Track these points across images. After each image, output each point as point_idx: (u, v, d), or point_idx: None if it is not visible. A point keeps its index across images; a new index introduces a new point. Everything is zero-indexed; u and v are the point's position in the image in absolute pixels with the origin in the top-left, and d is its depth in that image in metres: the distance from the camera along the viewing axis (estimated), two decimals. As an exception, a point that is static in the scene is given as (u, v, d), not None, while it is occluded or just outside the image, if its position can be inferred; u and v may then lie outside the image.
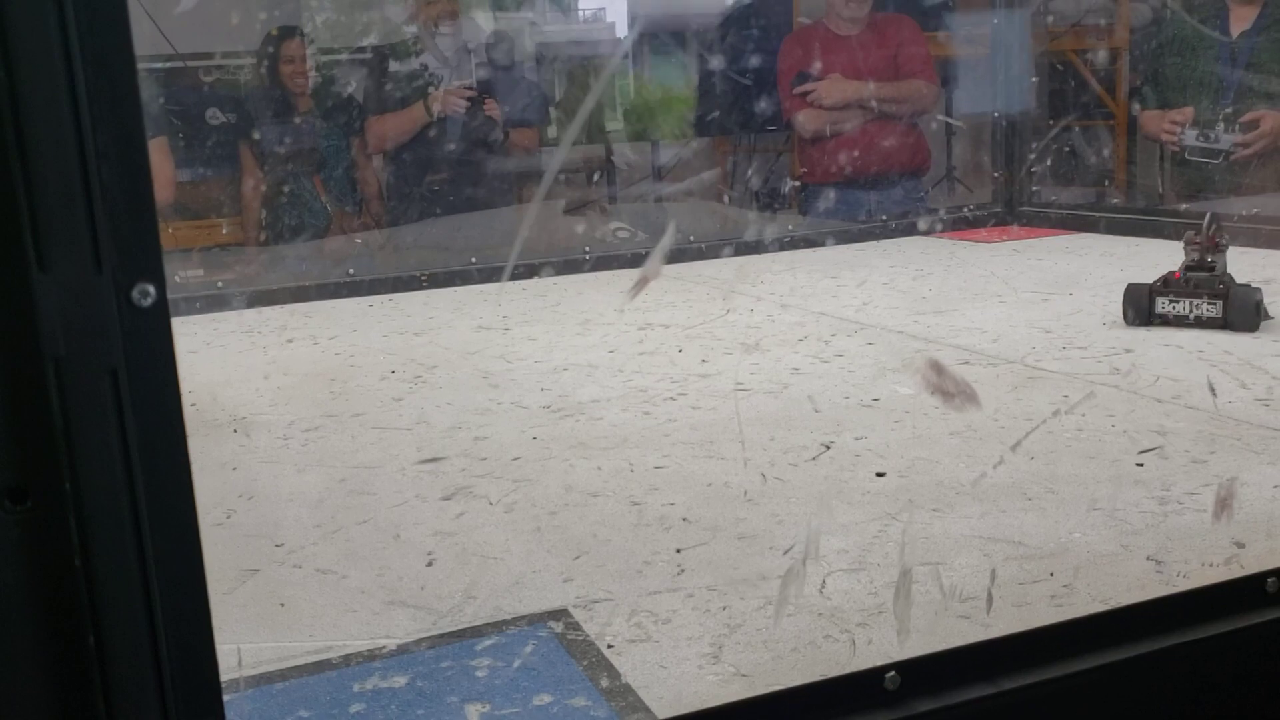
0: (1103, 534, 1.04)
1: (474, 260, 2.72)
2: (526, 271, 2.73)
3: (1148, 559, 0.98)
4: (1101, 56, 4.38)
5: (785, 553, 0.98)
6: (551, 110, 3.53)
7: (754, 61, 3.59)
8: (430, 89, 3.26)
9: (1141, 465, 1.23)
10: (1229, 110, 2.89)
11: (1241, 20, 2.96)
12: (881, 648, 0.82)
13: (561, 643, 0.89)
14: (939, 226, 3.18)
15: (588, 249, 2.80)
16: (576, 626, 0.91)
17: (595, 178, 4.00)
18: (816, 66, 3.32)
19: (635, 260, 2.79)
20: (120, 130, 0.49)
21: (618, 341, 2.00)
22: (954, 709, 0.70)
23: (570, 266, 2.73)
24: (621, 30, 5.33)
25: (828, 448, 1.33)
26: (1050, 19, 3.68)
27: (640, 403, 1.58)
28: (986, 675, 0.72)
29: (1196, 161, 2.91)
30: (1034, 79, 3.26)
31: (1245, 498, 1.11)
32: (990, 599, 0.85)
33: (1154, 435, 1.32)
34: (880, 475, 1.22)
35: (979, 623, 0.87)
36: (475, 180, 3.29)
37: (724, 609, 0.92)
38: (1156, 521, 1.07)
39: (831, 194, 3.43)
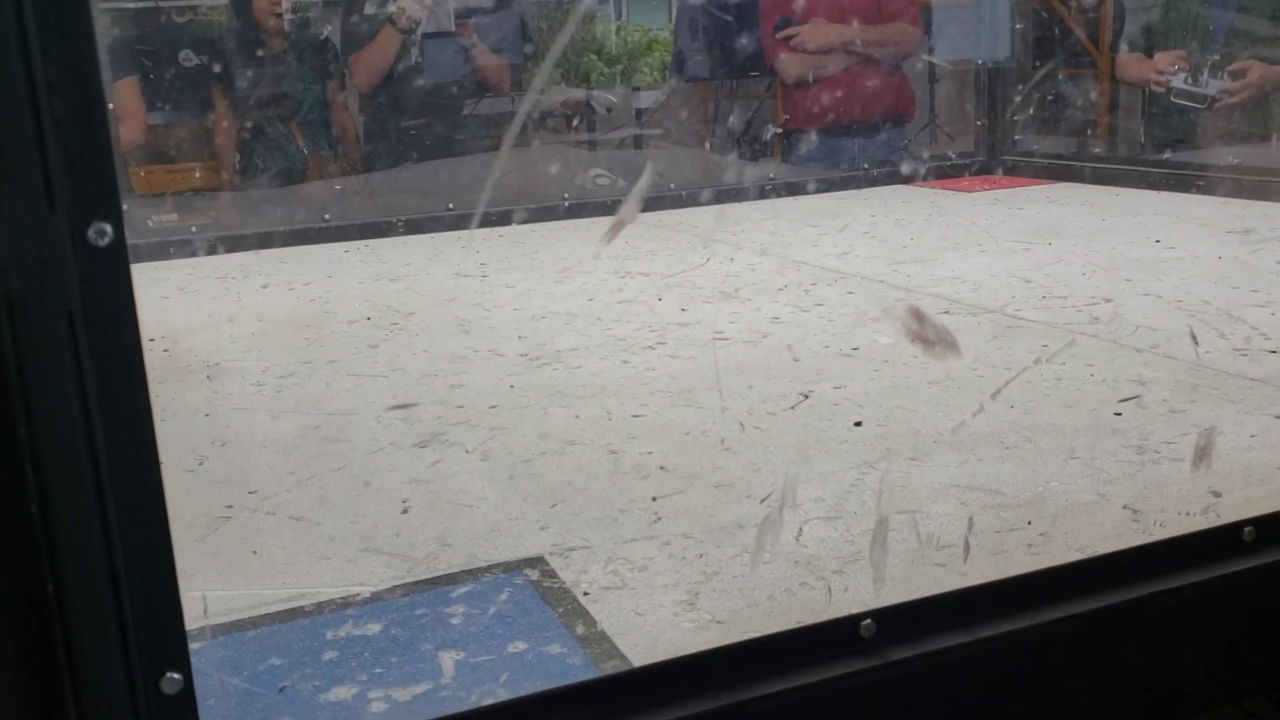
0: (1080, 483, 1.04)
1: (451, 206, 2.69)
2: (504, 218, 2.70)
3: (1125, 508, 0.98)
4: (1086, 1, 4.34)
5: (762, 501, 0.97)
6: (528, 48, 3.48)
7: (733, 1, 3.54)
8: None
9: (1120, 415, 1.22)
10: (1217, 57, 2.87)
11: None
12: (858, 595, 0.82)
13: (537, 590, 0.89)
14: (921, 174, 3.16)
15: (566, 195, 2.77)
16: (552, 574, 0.91)
17: (575, 123, 3.95)
18: (799, 7, 3.27)
19: (615, 207, 2.77)
20: (72, 59, 0.47)
21: (597, 289, 1.98)
22: (929, 656, 0.70)
23: (549, 213, 2.71)
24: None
25: (806, 397, 1.32)
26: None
27: (619, 351, 1.57)
28: (962, 623, 0.72)
29: (1181, 105, 2.89)
30: (1018, 25, 3.22)
31: (1223, 447, 1.11)
32: (967, 547, 0.85)
33: (1133, 385, 1.31)
34: (858, 424, 1.22)
35: (955, 570, 0.87)
36: (453, 123, 3.24)
37: (700, 556, 0.92)
38: (1134, 470, 1.07)
39: (814, 140, 3.39)
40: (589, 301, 1.90)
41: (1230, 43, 2.88)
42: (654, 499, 1.04)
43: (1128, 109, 3.86)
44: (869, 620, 0.70)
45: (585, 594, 0.87)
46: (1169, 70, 2.91)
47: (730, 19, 3.50)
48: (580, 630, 0.82)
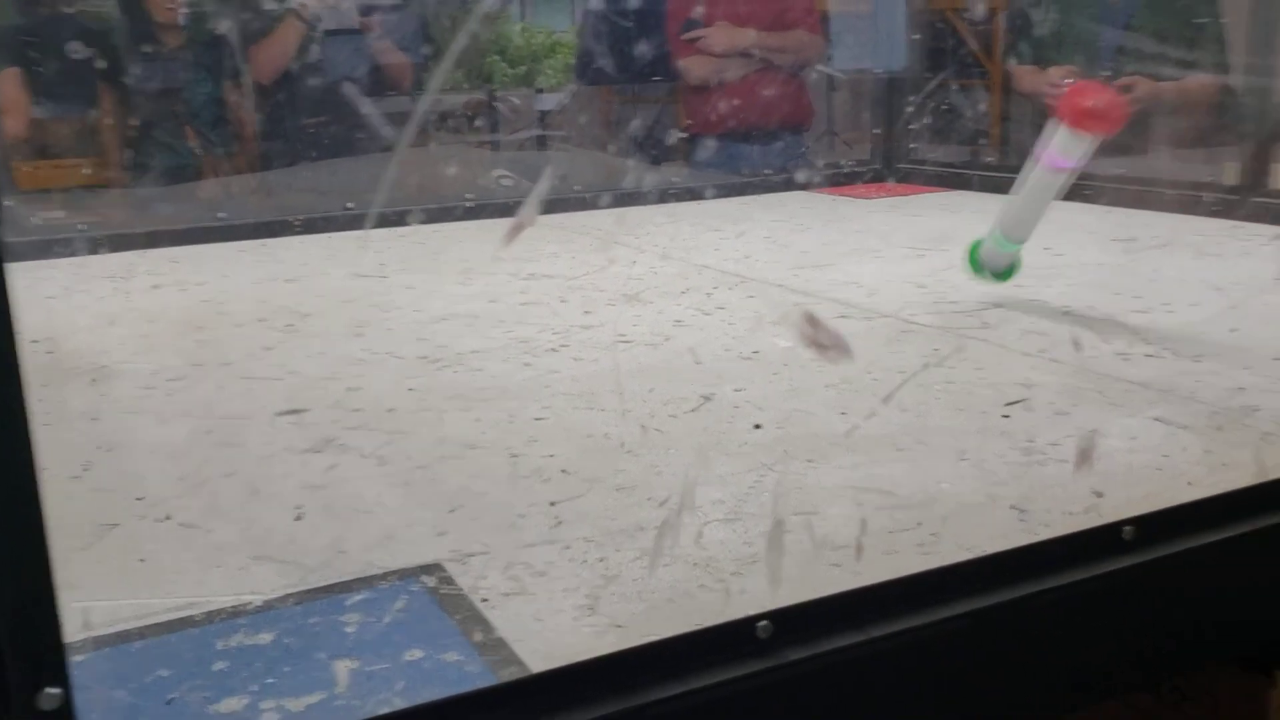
0: (970, 484, 1.07)
1: (350, 205, 2.64)
2: (404, 218, 2.66)
3: (1012, 508, 1.01)
4: (978, 14, 4.46)
5: (660, 505, 0.98)
6: (427, 47, 3.44)
7: (637, 6, 3.56)
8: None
9: (1008, 417, 1.26)
10: (1107, 73, 2.97)
11: None
12: (755, 597, 0.83)
13: (434, 597, 0.88)
14: (820, 181, 3.21)
15: (469, 195, 2.75)
16: (450, 580, 0.90)
17: (476, 123, 3.92)
18: (699, 12, 3.30)
19: (518, 208, 2.75)
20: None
21: (499, 291, 1.97)
22: (824, 656, 0.72)
23: (451, 213, 2.68)
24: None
25: (708, 399, 1.33)
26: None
27: (521, 354, 1.56)
28: (855, 623, 0.74)
29: None
30: (915, 36, 3.30)
31: (1104, 449, 1.15)
32: (860, 548, 0.86)
33: (1020, 388, 1.35)
34: (757, 427, 1.23)
35: (849, 570, 0.88)
36: (353, 121, 3.19)
37: (601, 560, 0.92)
38: (1021, 472, 1.10)
39: (716, 145, 3.43)
40: (491, 303, 1.89)
41: (1117, 59, 2.99)
42: (551, 504, 1.04)
43: (1018, 120, 3.98)
44: (765, 621, 0.71)
45: (484, 600, 0.87)
46: (1061, 84, 3.01)
47: (632, 23, 3.51)
48: (478, 637, 0.81)
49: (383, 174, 2.97)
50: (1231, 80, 2.89)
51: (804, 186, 3.16)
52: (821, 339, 0.90)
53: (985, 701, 0.81)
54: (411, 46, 3.44)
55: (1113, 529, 0.84)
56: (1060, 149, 1.54)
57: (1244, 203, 2.45)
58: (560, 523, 1.00)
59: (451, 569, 0.92)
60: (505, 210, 2.74)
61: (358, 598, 0.88)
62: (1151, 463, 1.11)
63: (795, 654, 0.71)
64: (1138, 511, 0.92)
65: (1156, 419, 1.23)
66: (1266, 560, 0.90)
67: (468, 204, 2.71)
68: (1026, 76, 3.20)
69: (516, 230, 0.97)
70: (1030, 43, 3.24)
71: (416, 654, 0.80)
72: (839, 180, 3.25)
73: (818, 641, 0.72)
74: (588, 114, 4.23)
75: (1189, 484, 1.03)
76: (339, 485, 1.10)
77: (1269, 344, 1.47)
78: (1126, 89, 2.92)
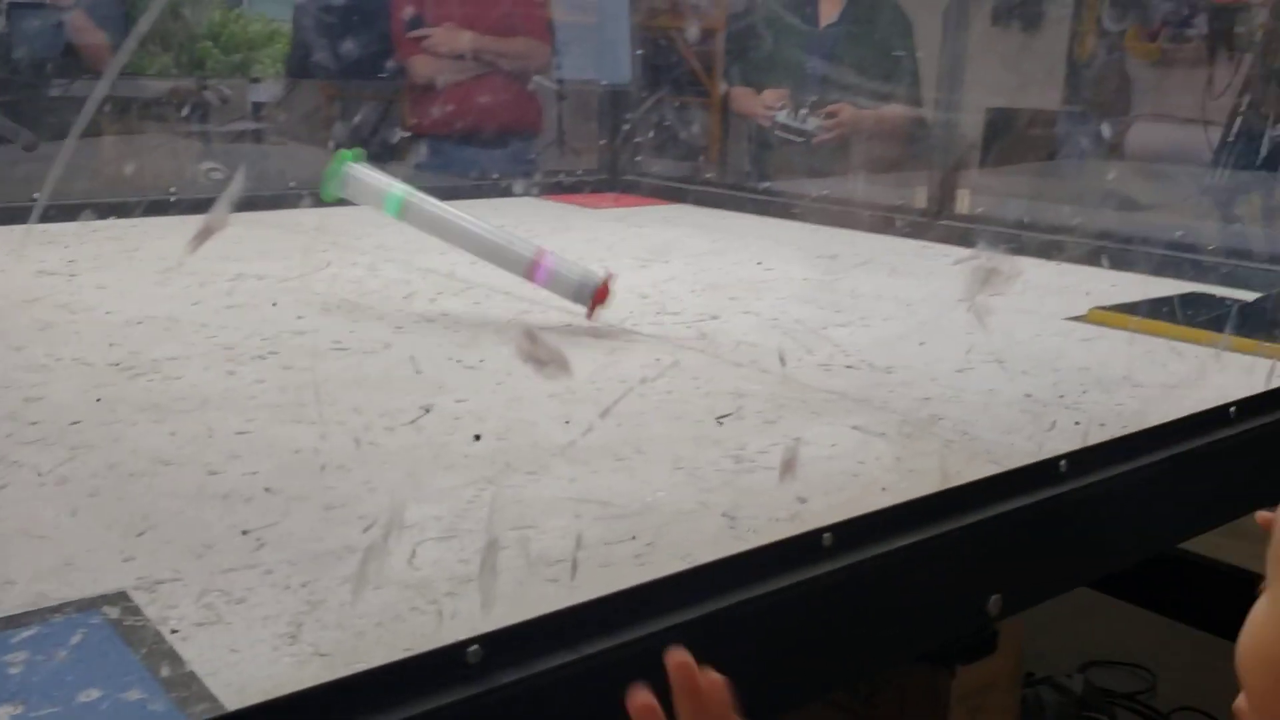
0: (684, 492, 1.09)
1: (36, 196, 2.41)
2: (103, 211, 2.46)
3: (723, 515, 1.04)
4: (698, 34, 4.62)
5: (365, 530, 0.94)
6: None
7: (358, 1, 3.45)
8: None
9: (722, 424, 1.30)
10: (814, 99, 3.15)
11: (829, 12, 3.22)
12: (470, 619, 0.81)
13: (117, 630, 0.80)
14: (548, 189, 3.22)
15: (174, 189, 2.57)
16: (136, 611, 0.82)
17: (185, 112, 3.68)
18: (431, 10, 3.24)
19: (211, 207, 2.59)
20: None
21: (203, 293, 1.85)
22: (536, 678, 0.70)
23: (153, 207, 2.49)
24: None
25: (427, 410, 1.30)
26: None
27: (225, 361, 1.47)
28: (568, 642, 0.73)
29: (783, 139, 3.15)
30: (638, 51, 3.37)
31: (806, 456, 1.21)
32: (575, 565, 0.86)
33: (733, 397, 1.40)
34: (477, 438, 1.21)
35: (565, 586, 0.88)
36: (44, 104, 2.92)
37: (305, 585, 0.87)
38: (731, 479, 1.13)
39: (442, 148, 3.37)
40: (194, 305, 1.76)
41: (823, 86, 3.17)
42: (244, 533, 0.98)
43: (735, 139, 4.15)
44: (475, 646, 0.69)
45: (174, 631, 0.80)
46: (774, 106, 3.17)
47: (353, 17, 3.40)
48: (165, 672, 0.75)
49: (80, 163, 2.72)
50: (923, 112, 3.13)
51: (534, 193, 3.17)
52: (540, 355, 0.89)
53: (696, 710, 0.83)
54: (112, 26, 3.19)
55: (814, 535, 0.88)
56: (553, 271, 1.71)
57: (932, 225, 2.66)
58: (262, 545, 0.94)
59: (138, 598, 0.84)
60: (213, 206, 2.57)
61: (26, 634, 0.79)
62: (849, 469, 1.17)
63: (506, 677, 0.70)
64: (837, 517, 0.97)
65: (854, 427, 1.31)
66: (949, 562, 0.97)
67: (171, 198, 2.53)
68: (742, 98, 3.35)
69: (205, 234, 0.90)
70: (745, 66, 3.39)
71: (93, 694, 0.73)
72: (568, 189, 3.28)
73: (530, 663, 0.71)
74: (306, 108, 4.06)
75: (883, 489, 1.10)
76: (9, 508, 0.99)
77: (952, 358, 1.59)
78: (832, 115, 3.11)
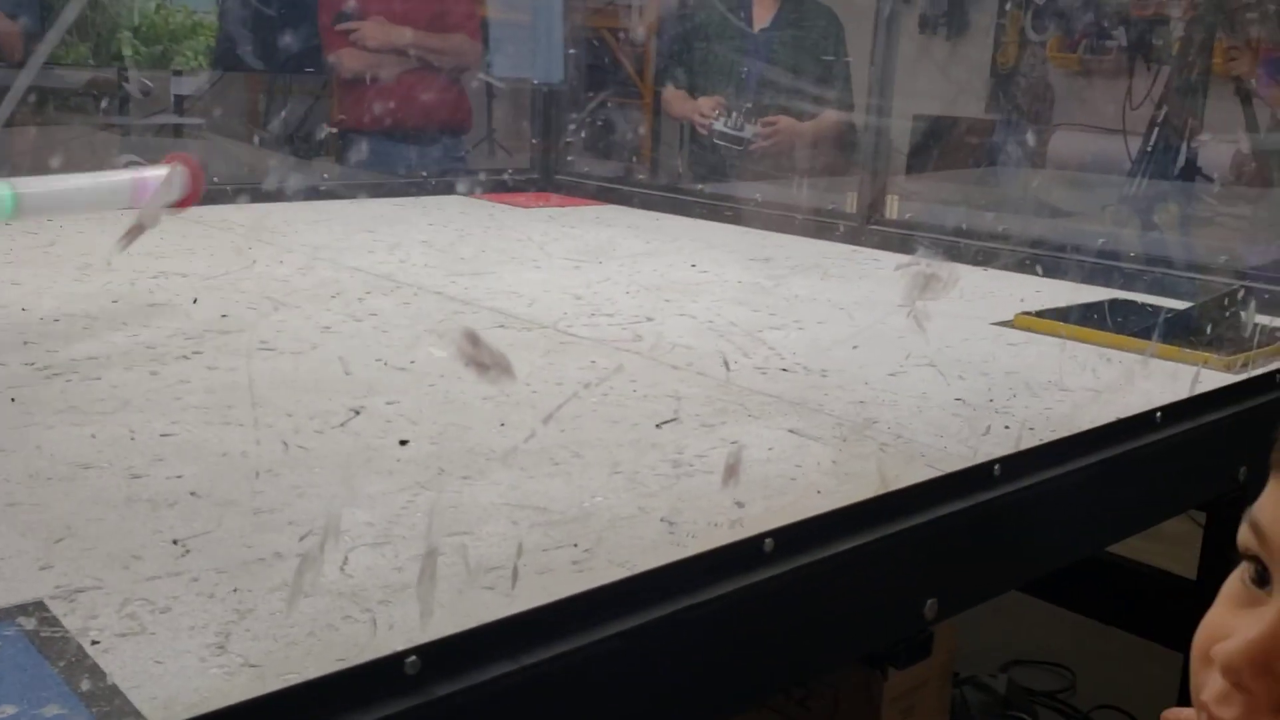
0: (623, 497, 1.08)
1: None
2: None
3: (662, 520, 1.03)
4: (633, 36, 4.63)
5: (302, 531, 0.91)
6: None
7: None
8: None
9: (660, 428, 1.29)
10: (749, 106, 3.16)
11: (762, 16, 3.24)
12: (404, 628, 0.79)
13: (33, 642, 0.77)
14: (479, 188, 3.19)
15: (92, 183, 2.49)
16: (54, 622, 0.79)
17: (104, 104, 3.57)
18: (352, 5, 3.20)
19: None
20: None
21: (123, 290, 1.79)
22: (475, 689, 0.69)
23: (69, 202, 2.41)
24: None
25: (357, 413, 1.27)
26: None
27: (147, 361, 1.42)
28: (508, 652, 0.72)
29: (721, 146, 3.16)
30: (572, 51, 3.36)
31: (745, 459, 1.20)
32: (516, 573, 0.84)
33: (670, 400, 1.39)
34: (404, 443, 1.18)
35: (502, 593, 0.86)
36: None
37: (233, 593, 0.84)
38: (670, 484, 1.12)
39: (370, 144, 3.33)
40: (114, 303, 1.71)
41: (759, 91, 3.19)
42: (173, 542, 0.95)
43: (668, 141, 4.16)
44: (414, 657, 0.67)
45: (95, 643, 0.77)
46: (711, 114, 3.17)
47: (280, 8, 3.34)
48: (85, 686, 0.72)
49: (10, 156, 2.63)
50: (854, 117, 3.16)
51: (462, 191, 3.13)
52: (483, 358, 0.88)
53: (642, 718, 0.82)
54: (27, 13, 3.08)
55: (755, 541, 0.87)
56: (158, 182, 1.54)
57: (863, 230, 2.69)
58: (188, 552, 0.91)
59: (56, 608, 0.81)
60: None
61: (-66, 649, 0.75)
62: (786, 473, 1.17)
63: (444, 688, 0.68)
64: (775, 521, 0.97)
65: (790, 430, 1.31)
66: (888, 566, 0.97)
67: (89, 191, 2.45)
68: (676, 101, 3.35)
69: (137, 231, 0.87)
70: (679, 68, 3.39)
71: (8, 710, 0.70)
72: (499, 187, 3.25)
73: (469, 674, 0.69)
74: (231, 101, 3.97)
75: (818, 493, 1.10)
76: (-85, 514, 0.95)
77: (885, 361, 1.60)
78: (769, 124, 3.13)
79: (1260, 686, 0.52)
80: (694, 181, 3.23)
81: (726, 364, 1.51)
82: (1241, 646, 0.53)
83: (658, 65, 4.60)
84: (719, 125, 3.14)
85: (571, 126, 3.26)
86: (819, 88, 3.18)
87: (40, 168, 2.56)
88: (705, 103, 3.19)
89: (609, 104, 3.95)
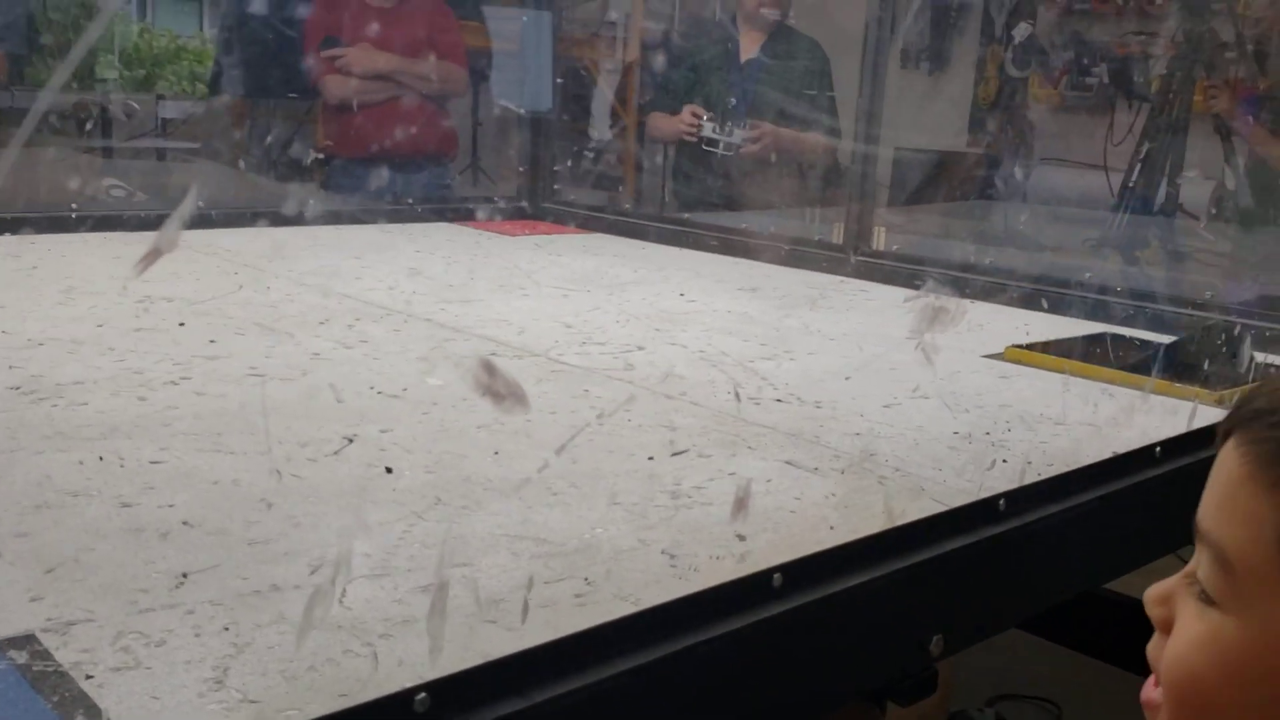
0: (622, 529, 1.07)
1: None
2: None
3: (663, 553, 1.02)
4: (614, 67, 4.65)
5: (313, 572, 0.89)
6: (46, 38, 3.08)
7: (277, 20, 3.39)
8: None
9: (652, 459, 1.28)
10: (732, 119, 3.17)
11: (749, 48, 3.26)
12: (408, 661, 0.77)
13: (25, 675, 0.75)
14: (466, 215, 3.18)
15: (75, 205, 2.47)
16: (46, 655, 0.77)
17: (88, 127, 3.55)
18: (346, 29, 3.20)
19: (132, 222, 2.51)
20: None
21: (109, 314, 1.77)
22: (486, 728, 0.67)
23: (54, 224, 2.39)
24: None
25: (350, 441, 1.25)
26: (572, 26, 3.83)
27: (135, 386, 1.40)
28: (518, 689, 0.70)
29: (710, 154, 3.16)
30: (559, 80, 3.36)
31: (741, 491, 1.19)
32: (526, 608, 0.83)
33: (665, 430, 1.38)
34: (389, 471, 1.16)
35: (506, 627, 0.85)
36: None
37: (230, 626, 0.82)
38: (670, 515, 1.11)
39: (355, 169, 3.32)
40: (99, 327, 1.69)
41: (746, 115, 3.20)
42: (163, 571, 0.92)
43: (651, 170, 4.17)
44: (423, 694, 0.66)
45: (89, 677, 0.74)
46: (695, 121, 3.18)
47: (271, 35, 3.34)
48: (80, 723, 0.70)
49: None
50: (840, 147, 3.18)
51: (451, 219, 3.12)
52: (498, 388, 0.86)
53: (644, 758, 0.80)
54: (10, 37, 3.06)
55: (764, 576, 0.86)
56: None
57: (849, 260, 2.69)
58: (182, 583, 0.88)
59: (48, 641, 0.79)
60: (118, 223, 2.48)
61: (-79, 683, 0.73)
62: (786, 505, 1.16)
63: (456, 727, 0.66)
64: (778, 554, 0.95)
65: (788, 462, 1.30)
66: (896, 601, 0.96)
67: (73, 214, 2.43)
68: (662, 121, 3.36)
69: (154, 257, 0.85)
70: (666, 95, 3.40)
71: (-1, 748, 0.67)
72: (485, 215, 3.24)
73: (479, 711, 0.68)
74: (218, 125, 3.95)
75: (831, 528, 1.09)
76: (-101, 543, 0.92)
77: (878, 393, 1.60)
78: (757, 126, 3.13)
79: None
80: (680, 206, 3.23)
81: (737, 395, 1.50)
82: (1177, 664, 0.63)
83: (639, 95, 4.62)
84: (707, 131, 3.15)
85: (590, 154, 3.25)
86: (806, 116, 3.20)
87: (20, 190, 2.53)
88: (687, 110, 3.19)
89: (594, 133, 3.97)
